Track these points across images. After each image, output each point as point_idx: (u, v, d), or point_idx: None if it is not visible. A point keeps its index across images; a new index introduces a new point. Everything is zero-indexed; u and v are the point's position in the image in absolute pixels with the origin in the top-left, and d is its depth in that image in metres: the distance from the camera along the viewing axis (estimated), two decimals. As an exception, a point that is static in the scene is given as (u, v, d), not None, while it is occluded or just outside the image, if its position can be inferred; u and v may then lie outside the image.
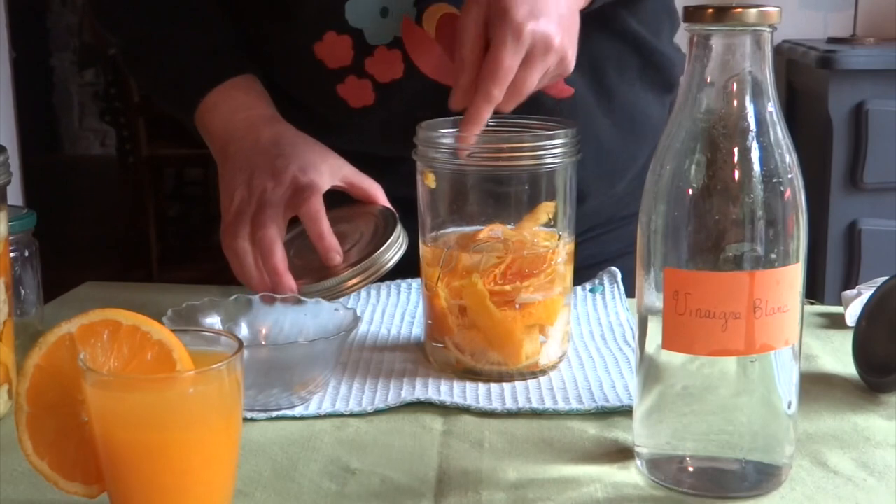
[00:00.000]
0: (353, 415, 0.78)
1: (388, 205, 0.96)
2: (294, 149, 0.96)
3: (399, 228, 0.92)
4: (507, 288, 0.82)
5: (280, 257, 0.90)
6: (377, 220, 0.94)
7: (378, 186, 0.96)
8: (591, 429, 0.75)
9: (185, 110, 1.03)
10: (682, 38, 0.77)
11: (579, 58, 0.90)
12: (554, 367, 0.85)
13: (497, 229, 0.85)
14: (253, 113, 1.00)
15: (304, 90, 1.06)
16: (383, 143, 1.02)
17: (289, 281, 0.89)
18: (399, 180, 0.93)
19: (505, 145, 0.83)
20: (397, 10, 0.98)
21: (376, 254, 0.89)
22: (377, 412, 0.78)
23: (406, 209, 0.92)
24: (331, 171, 0.95)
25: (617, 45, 1.06)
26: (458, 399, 0.80)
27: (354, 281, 0.89)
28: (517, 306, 0.82)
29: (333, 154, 0.97)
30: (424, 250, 0.86)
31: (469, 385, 0.83)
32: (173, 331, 0.62)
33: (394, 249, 0.91)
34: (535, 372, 0.84)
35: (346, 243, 0.92)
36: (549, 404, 0.79)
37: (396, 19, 0.98)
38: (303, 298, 0.85)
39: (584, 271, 1.02)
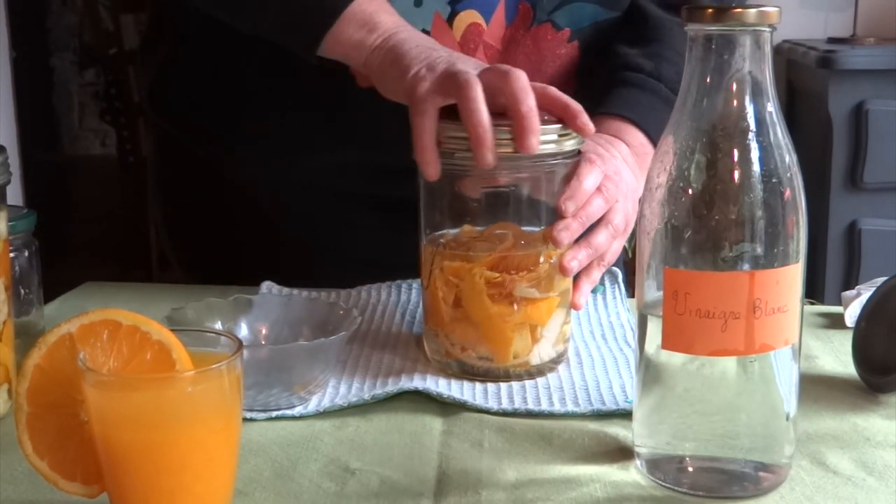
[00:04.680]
0: (351, 406, 0.78)
1: None
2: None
3: None
4: (500, 277, 0.82)
5: None
6: None
7: None
8: (591, 428, 0.75)
9: (326, 15, 0.94)
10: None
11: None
12: (548, 368, 0.85)
13: (496, 229, 0.85)
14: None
15: None
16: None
17: None
18: (379, 146, 0.94)
19: (504, 150, 0.83)
20: (432, 4, 0.99)
21: None
22: (377, 412, 0.78)
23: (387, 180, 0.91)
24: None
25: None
26: (455, 394, 0.79)
27: None
28: (514, 305, 0.82)
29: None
30: (425, 248, 0.86)
31: (466, 384, 0.82)
32: (173, 331, 0.62)
33: None
34: (530, 372, 0.84)
35: None
36: (545, 406, 0.79)
37: (428, 13, 0.99)
38: (302, 296, 0.84)
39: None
